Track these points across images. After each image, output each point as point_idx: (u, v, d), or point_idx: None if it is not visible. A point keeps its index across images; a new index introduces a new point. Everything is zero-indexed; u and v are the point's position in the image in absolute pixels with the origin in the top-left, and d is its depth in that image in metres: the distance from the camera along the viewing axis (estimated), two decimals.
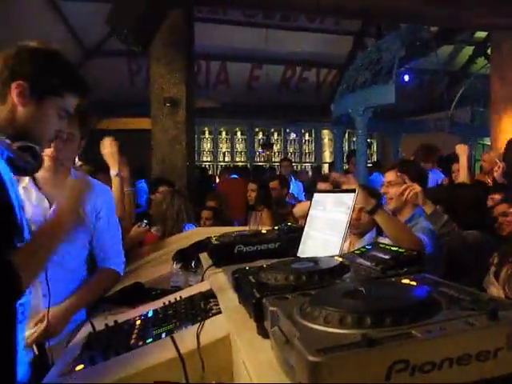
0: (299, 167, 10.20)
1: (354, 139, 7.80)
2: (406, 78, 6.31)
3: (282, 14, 7.60)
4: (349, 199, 1.36)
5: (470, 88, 6.37)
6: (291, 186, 5.83)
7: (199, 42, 6.46)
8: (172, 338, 1.02)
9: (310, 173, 8.08)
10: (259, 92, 9.15)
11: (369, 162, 8.39)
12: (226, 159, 10.31)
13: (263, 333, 0.87)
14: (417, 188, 2.07)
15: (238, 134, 10.40)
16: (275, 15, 7.67)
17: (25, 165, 1.14)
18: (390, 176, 2.32)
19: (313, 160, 10.44)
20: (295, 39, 8.05)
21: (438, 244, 2.09)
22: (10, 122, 1.13)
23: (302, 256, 1.58)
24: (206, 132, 10.23)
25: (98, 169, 2.72)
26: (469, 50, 8.60)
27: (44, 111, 1.18)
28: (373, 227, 2.26)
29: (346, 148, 9.41)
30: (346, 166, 6.02)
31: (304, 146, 10.55)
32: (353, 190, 1.35)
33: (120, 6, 3.65)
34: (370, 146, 10.03)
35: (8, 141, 1.10)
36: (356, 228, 2.34)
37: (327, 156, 10.47)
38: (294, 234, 1.77)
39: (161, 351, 1.01)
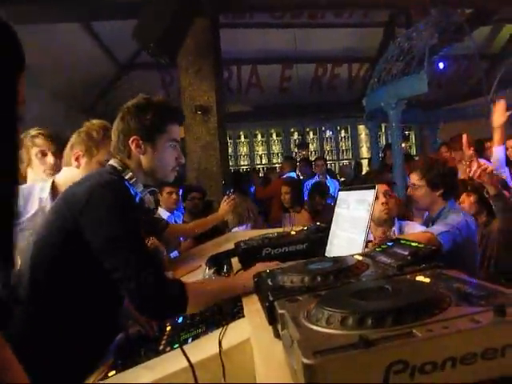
0: (337, 165, 10.06)
1: None
2: (441, 65, 6.06)
3: (309, 12, 7.54)
4: (369, 196, 1.33)
5: (511, 69, 6.03)
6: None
7: (228, 48, 6.53)
8: (182, 349, 1.04)
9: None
10: (292, 92, 9.11)
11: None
12: (264, 161, 10.33)
13: (278, 336, 0.87)
14: (489, 168, 1.96)
15: (274, 135, 10.39)
16: (302, 14, 7.62)
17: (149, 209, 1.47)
18: (414, 179, 2.25)
19: (350, 156, 10.27)
20: (324, 36, 7.96)
21: (466, 239, 2.02)
22: (138, 170, 1.42)
23: (328, 256, 1.57)
24: (242, 136, 10.30)
25: None
26: (509, 29, 8.17)
27: (159, 150, 1.43)
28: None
29: (383, 142, 9.19)
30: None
31: (341, 143, 10.40)
32: (373, 187, 1.33)
33: (145, 20, 3.75)
34: (407, 137, 9.73)
35: (142, 187, 1.42)
36: (388, 216, 2.30)
37: (365, 151, 10.26)
38: (322, 234, 1.75)
39: (179, 359, 1.04)
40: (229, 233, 3.18)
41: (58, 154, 1.98)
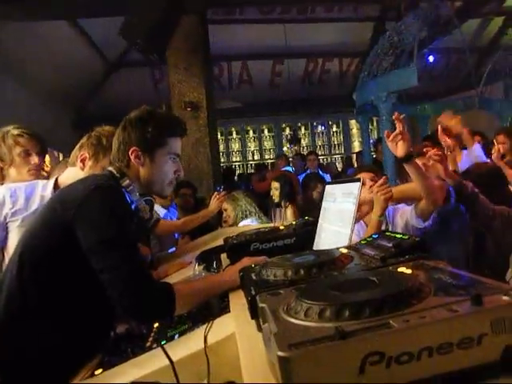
0: (329, 159, 10.08)
1: None
2: (431, 58, 6.08)
3: (298, 7, 7.52)
4: (355, 188, 1.33)
5: (501, 61, 6.05)
6: None
7: (218, 44, 6.49)
8: (162, 347, 1.03)
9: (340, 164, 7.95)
10: (283, 88, 9.10)
11: None
12: (256, 157, 10.34)
13: (261, 330, 0.87)
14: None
15: (265, 131, 10.40)
16: (292, 9, 7.60)
17: (144, 217, 1.46)
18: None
19: (342, 151, 10.29)
20: (314, 31, 7.95)
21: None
22: (135, 180, 1.42)
23: (316, 249, 1.57)
24: (234, 132, 10.29)
25: None
26: (498, 22, 8.21)
27: (158, 163, 1.42)
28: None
29: (375, 136, 9.22)
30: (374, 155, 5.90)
31: (332, 138, 10.42)
32: (358, 180, 1.32)
33: (132, 16, 3.72)
34: None
35: (138, 195, 1.42)
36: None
37: (356, 146, 10.27)
38: (310, 228, 1.75)
39: (162, 356, 1.03)
40: (219, 229, 3.18)
41: (42, 154, 1.96)
